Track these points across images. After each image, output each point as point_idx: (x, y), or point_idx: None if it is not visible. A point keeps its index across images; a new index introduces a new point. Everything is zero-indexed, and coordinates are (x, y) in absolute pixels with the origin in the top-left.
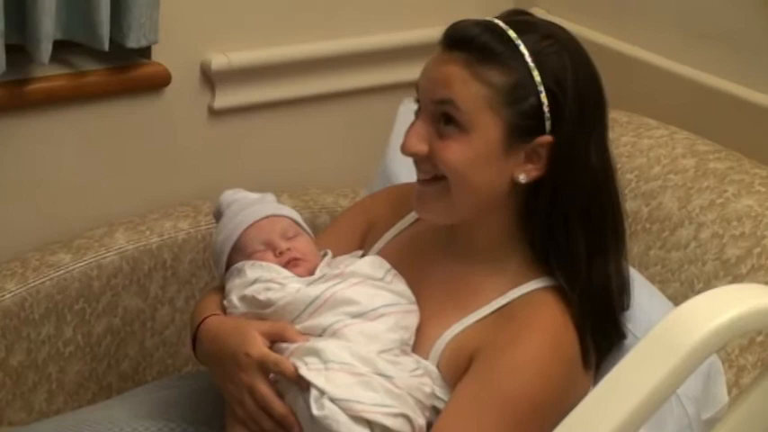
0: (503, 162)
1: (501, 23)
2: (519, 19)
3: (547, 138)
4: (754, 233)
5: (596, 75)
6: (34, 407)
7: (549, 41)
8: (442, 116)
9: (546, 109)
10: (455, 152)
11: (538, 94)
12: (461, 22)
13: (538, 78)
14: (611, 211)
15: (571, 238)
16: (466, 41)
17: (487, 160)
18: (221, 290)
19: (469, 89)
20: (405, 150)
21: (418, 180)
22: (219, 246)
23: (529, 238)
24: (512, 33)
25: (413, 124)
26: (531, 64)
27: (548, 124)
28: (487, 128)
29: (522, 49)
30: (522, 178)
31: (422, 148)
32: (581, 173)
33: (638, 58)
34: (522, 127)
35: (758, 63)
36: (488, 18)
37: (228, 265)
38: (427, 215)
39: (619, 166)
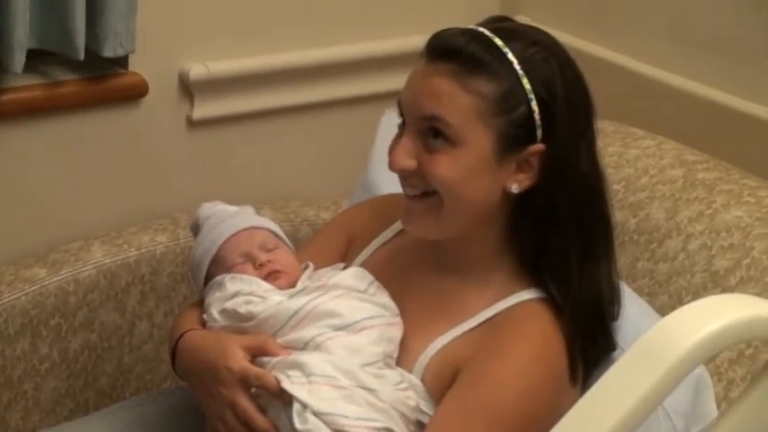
0: (495, 173)
1: (486, 31)
2: (502, 26)
3: (539, 146)
4: (743, 244)
5: (583, 79)
6: (10, 425)
7: (535, 48)
8: (429, 130)
9: (537, 117)
10: (446, 166)
11: (528, 102)
12: (444, 31)
13: (528, 86)
14: (602, 217)
15: (564, 246)
16: (453, 52)
17: (480, 172)
18: (200, 304)
19: (459, 102)
20: (393, 167)
21: (406, 195)
22: (198, 259)
23: (517, 248)
24: (498, 41)
25: (398, 139)
26: (521, 72)
27: (539, 132)
28: (478, 140)
29: (511, 56)
30: (515, 188)
31: (410, 163)
32: (573, 179)
33: (625, 66)
34: (514, 136)
35: (747, 72)
36: (472, 26)
37: (208, 278)
38: (417, 231)
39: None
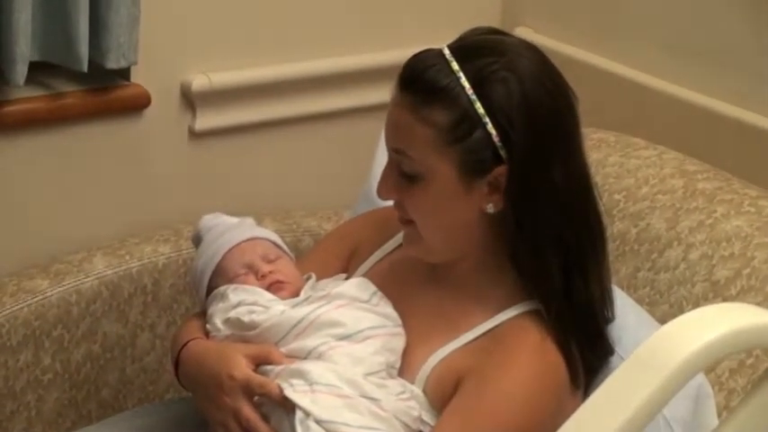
0: (466, 198)
1: (447, 53)
2: (471, 42)
3: (502, 167)
4: (743, 254)
5: (557, 96)
6: None
7: (496, 66)
8: (400, 163)
9: (496, 139)
10: (417, 200)
11: (484, 125)
12: (414, 57)
13: (481, 110)
14: (588, 231)
15: (543, 263)
16: (413, 80)
17: (449, 201)
18: (203, 315)
19: (416, 134)
20: (378, 197)
21: (399, 220)
22: (200, 270)
23: (510, 263)
24: (454, 65)
25: (385, 169)
26: (473, 96)
27: (502, 153)
28: (440, 170)
29: (464, 81)
30: (490, 209)
31: (392, 195)
32: (544, 198)
33: (625, 76)
34: (475, 161)
35: (745, 81)
36: (440, 47)
37: (210, 290)
38: (414, 254)
39: (606, 186)
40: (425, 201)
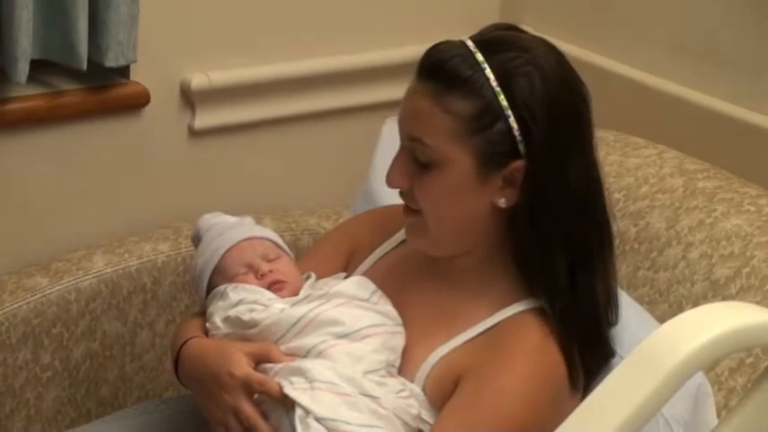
0: (480, 190)
1: (471, 45)
2: (493, 36)
3: (519, 162)
4: (743, 253)
5: (575, 93)
6: None
7: (520, 61)
8: (414, 151)
9: (516, 133)
10: (429, 189)
11: (506, 118)
12: (434, 47)
13: (504, 103)
14: (597, 230)
15: (550, 261)
16: (434, 69)
17: (463, 192)
18: (202, 314)
19: (435, 122)
20: (388, 184)
21: (403, 211)
22: (200, 269)
23: (514, 260)
24: (479, 56)
25: (396, 156)
26: (497, 88)
27: (521, 147)
28: (458, 160)
29: (488, 73)
30: (503, 203)
31: (403, 183)
32: (558, 196)
33: (625, 75)
34: (494, 153)
35: (747, 81)
36: (462, 38)
37: (209, 288)
38: (417, 246)
39: (606, 185)
40: (437, 189)
